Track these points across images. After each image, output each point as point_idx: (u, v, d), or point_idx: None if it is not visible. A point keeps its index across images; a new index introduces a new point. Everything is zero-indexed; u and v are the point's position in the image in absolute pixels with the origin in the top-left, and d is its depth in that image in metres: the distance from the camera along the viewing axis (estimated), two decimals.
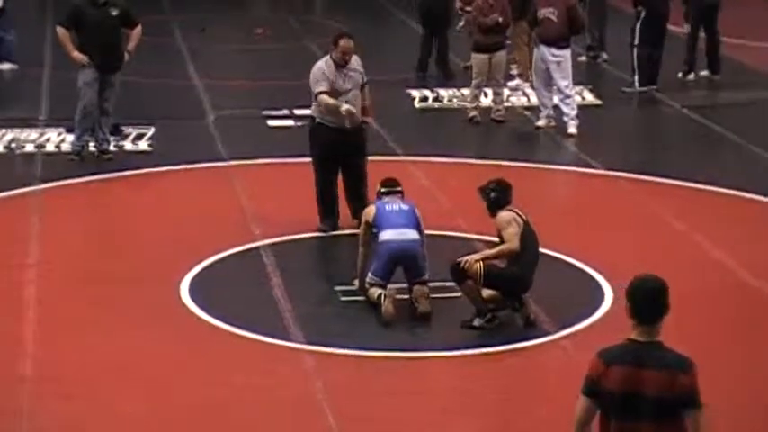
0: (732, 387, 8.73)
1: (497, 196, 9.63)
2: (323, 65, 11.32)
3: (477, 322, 9.42)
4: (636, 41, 16.51)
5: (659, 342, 5.49)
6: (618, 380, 5.41)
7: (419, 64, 17.40)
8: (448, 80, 16.97)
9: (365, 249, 9.93)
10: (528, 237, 9.45)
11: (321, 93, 11.22)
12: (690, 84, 17.11)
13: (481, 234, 11.06)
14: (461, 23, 17.43)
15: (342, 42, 11.24)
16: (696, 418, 5.39)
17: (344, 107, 11.17)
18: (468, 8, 16.44)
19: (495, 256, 9.44)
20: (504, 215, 9.50)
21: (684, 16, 17.25)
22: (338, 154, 11.41)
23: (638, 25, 16.44)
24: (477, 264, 9.27)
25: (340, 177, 11.61)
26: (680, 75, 17.12)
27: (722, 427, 8.12)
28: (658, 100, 16.41)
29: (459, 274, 9.31)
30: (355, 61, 11.44)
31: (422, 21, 17.60)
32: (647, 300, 5.52)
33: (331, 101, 11.18)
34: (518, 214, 9.54)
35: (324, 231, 11.43)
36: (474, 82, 15.30)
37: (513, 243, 9.31)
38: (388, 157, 13.68)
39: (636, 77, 16.58)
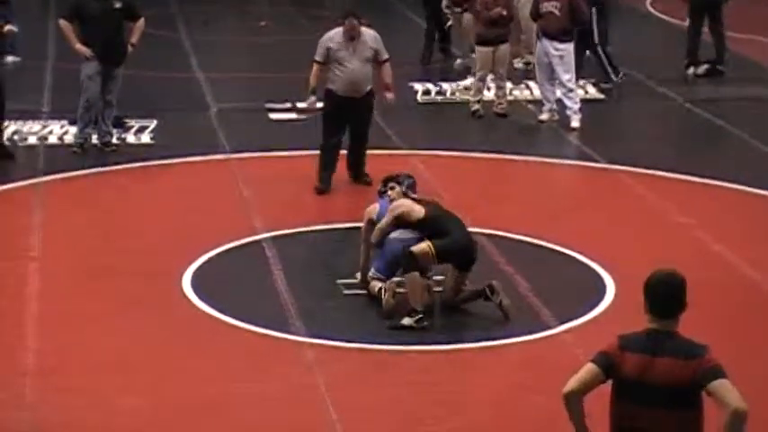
0: (737, 379, 8.72)
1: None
2: (332, 34, 12.36)
3: (406, 321, 9.32)
4: (596, 39, 16.40)
5: (675, 331, 5.52)
6: (632, 366, 5.45)
7: (422, 56, 17.48)
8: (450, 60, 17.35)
9: (367, 246, 9.93)
10: (441, 215, 9.64)
11: (315, 62, 12.41)
12: (693, 78, 17.08)
13: (483, 227, 11.06)
14: (450, 23, 17.33)
15: (347, 21, 12.25)
16: (722, 384, 5.39)
17: (308, 99, 12.50)
18: (458, 8, 16.59)
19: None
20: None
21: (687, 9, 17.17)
22: (343, 120, 12.38)
23: (594, 24, 16.30)
24: (425, 244, 9.34)
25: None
26: (691, 70, 17.04)
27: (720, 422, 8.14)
28: (661, 94, 16.39)
29: (410, 261, 9.33)
30: (370, 38, 12.36)
31: (425, 13, 17.74)
32: (661, 295, 5.54)
33: (312, 77, 12.38)
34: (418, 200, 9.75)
35: (319, 191, 12.28)
36: (477, 75, 15.29)
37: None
38: (390, 150, 13.68)
39: (610, 71, 16.53)
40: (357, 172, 12.58)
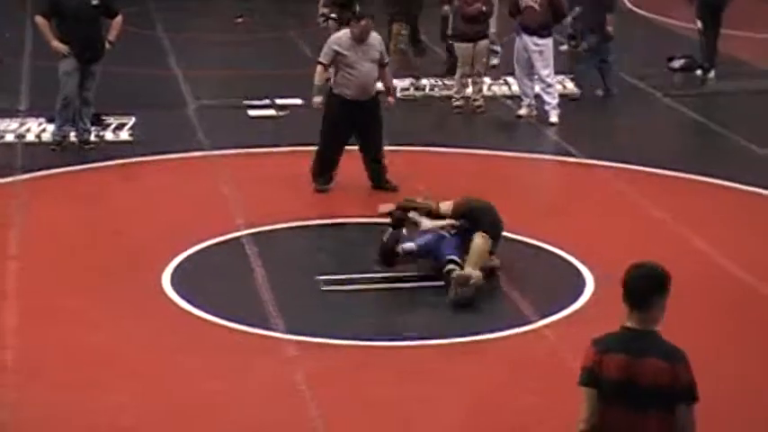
0: (716, 374, 8.77)
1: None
2: (341, 35, 12.23)
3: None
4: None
5: (654, 331, 5.46)
6: (614, 368, 5.38)
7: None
8: (420, 56, 17.06)
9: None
10: None
11: (320, 63, 12.20)
12: (677, 75, 17.11)
13: None
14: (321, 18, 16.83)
15: (363, 22, 12.08)
16: (688, 412, 5.35)
17: (315, 100, 12.20)
18: (333, 15, 16.18)
19: None
20: None
21: (696, 13, 17.03)
22: (349, 124, 12.13)
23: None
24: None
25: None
26: (699, 72, 16.97)
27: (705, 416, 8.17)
28: (640, 89, 16.44)
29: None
30: (375, 40, 12.20)
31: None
32: (637, 285, 5.46)
33: (318, 78, 12.18)
34: None
35: (320, 190, 12.12)
36: (458, 71, 15.31)
37: None
38: None
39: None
40: (381, 180, 12.24)
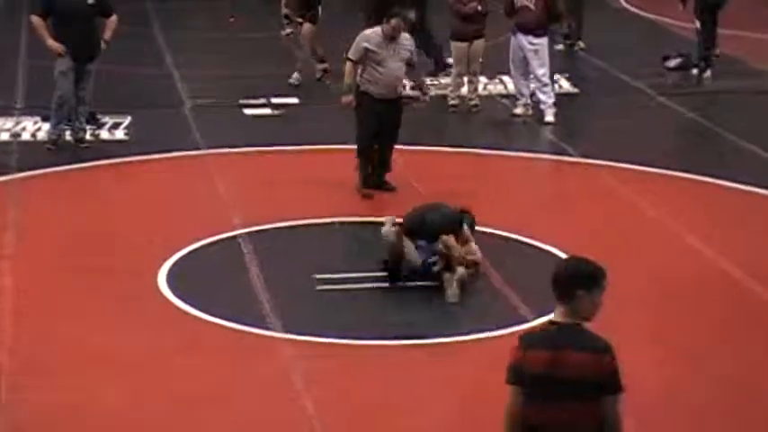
0: (711, 373, 8.79)
1: None
2: (371, 33, 12.12)
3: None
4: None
5: (578, 324, 5.44)
6: (537, 363, 5.37)
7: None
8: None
9: None
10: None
11: (348, 59, 12.13)
12: (672, 74, 17.12)
13: None
14: (287, 31, 16.63)
15: (393, 21, 12.00)
16: (614, 402, 5.36)
17: (345, 99, 12.10)
18: (299, 19, 16.10)
19: None
20: None
21: (694, 13, 16.98)
22: (380, 120, 12.10)
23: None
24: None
25: None
26: (695, 71, 16.98)
27: (694, 411, 8.19)
28: (635, 88, 16.45)
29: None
30: (405, 38, 12.13)
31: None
32: (562, 278, 5.43)
33: (347, 75, 12.11)
34: None
35: (369, 196, 12.04)
36: (454, 71, 15.31)
37: None
38: None
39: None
40: (381, 180, 12.23)
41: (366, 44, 11.99)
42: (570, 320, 5.42)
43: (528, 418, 5.44)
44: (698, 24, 16.78)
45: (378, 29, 12.09)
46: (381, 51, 11.93)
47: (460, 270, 9.89)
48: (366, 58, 11.98)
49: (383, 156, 12.31)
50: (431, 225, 10.16)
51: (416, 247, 10.10)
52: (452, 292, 9.77)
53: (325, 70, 16.22)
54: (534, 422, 5.42)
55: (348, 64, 12.10)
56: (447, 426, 8.06)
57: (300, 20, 16.18)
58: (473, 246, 10.29)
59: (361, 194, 12.04)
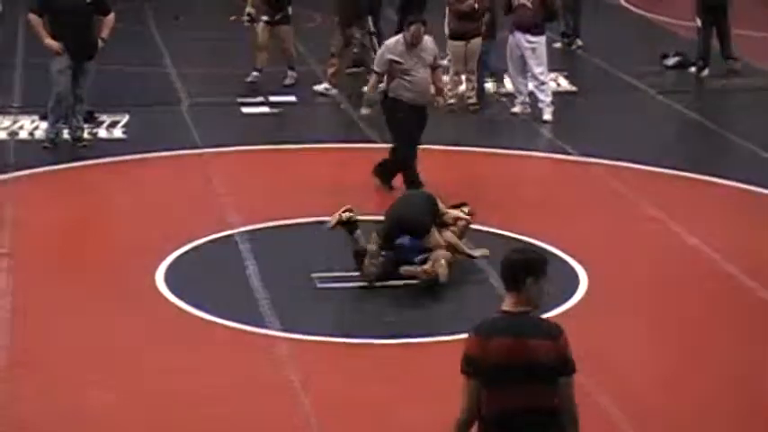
0: (711, 372, 8.78)
1: None
2: (393, 42, 12.00)
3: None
4: None
5: (531, 312, 5.58)
6: (500, 351, 5.47)
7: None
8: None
9: None
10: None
11: (374, 72, 12.11)
12: (670, 72, 17.12)
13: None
14: (246, 17, 16.51)
15: (412, 28, 11.88)
16: (570, 383, 5.52)
17: (363, 111, 12.04)
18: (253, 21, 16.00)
19: None
20: None
21: (696, 11, 16.96)
22: (414, 126, 12.02)
23: None
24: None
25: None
26: (692, 69, 16.95)
27: (694, 411, 8.18)
28: (634, 86, 16.44)
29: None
30: (428, 42, 12.01)
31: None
32: (511, 268, 5.58)
33: (370, 88, 12.11)
34: None
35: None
36: (452, 69, 15.30)
37: None
38: (364, 144, 13.68)
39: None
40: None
41: (390, 56, 11.80)
42: (522, 308, 5.55)
43: (488, 408, 5.53)
44: (699, 23, 16.75)
45: (399, 37, 11.96)
46: (406, 60, 11.78)
47: (443, 252, 9.96)
48: (392, 69, 11.81)
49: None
50: (408, 223, 10.13)
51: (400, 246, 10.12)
52: (443, 271, 9.79)
53: (295, 78, 15.94)
54: (494, 411, 5.51)
55: (373, 76, 12.01)
56: (446, 423, 8.03)
57: (267, 19, 15.87)
58: (452, 212, 10.40)
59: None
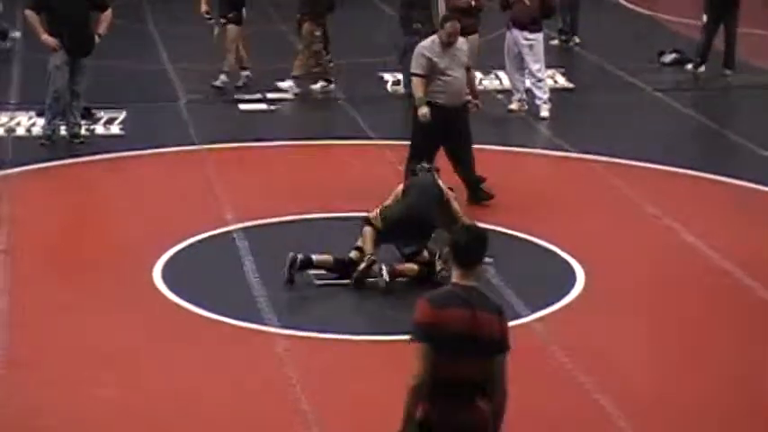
0: (710, 370, 8.78)
1: None
2: (428, 43, 11.66)
3: (353, 254, 9.94)
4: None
5: (476, 286, 5.81)
6: (460, 321, 5.68)
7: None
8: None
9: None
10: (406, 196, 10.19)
11: (415, 75, 11.65)
12: (669, 69, 17.12)
13: None
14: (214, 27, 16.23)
15: (447, 25, 11.57)
16: (504, 360, 5.77)
17: (421, 111, 11.50)
18: (223, 19, 15.69)
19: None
20: None
21: (704, 6, 16.90)
22: (441, 133, 11.53)
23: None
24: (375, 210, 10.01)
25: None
26: (689, 66, 16.94)
27: (693, 410, 8.19)
28: (631, 84, 16.45)
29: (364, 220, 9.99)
30: (462, 43, 11.76)
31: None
32: (471, 246, 5.81)
33: (418, 90, 11.55)
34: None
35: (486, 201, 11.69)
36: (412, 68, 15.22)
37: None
38: (360, 140, 13.68)
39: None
40: (477, 193, 11.74)
41: (429, 55, 11.48)
42: (471, 283, 5.79)
43: (439, 375, 5.70)
44: (704, 19, 16.72)
45: (434, 37, 11.67)
46: (441, 60, 11.46)
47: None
48: (430, 68, 11.48)
49: (467, 170, 11.75)
50: (419, 229, 10.07)
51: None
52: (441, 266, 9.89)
53: (248, 77, 15.78)
54: (445, 378, 5.69)
55: (415, 79, 11.64)
56: None
57: (224, 20, 15.72)
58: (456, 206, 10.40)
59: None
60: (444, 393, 5.71)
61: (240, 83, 15.76)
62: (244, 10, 15.83)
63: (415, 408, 5.74)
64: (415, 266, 9.98)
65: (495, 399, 5.74)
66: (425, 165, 10.58)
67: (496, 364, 5.73)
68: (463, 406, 5.71)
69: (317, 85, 15.75)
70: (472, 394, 5.72)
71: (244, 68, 15.83)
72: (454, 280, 5.81)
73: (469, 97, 11.83)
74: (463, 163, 11.75)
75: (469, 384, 5.71)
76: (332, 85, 15.79)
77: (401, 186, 10.43)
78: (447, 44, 11.52)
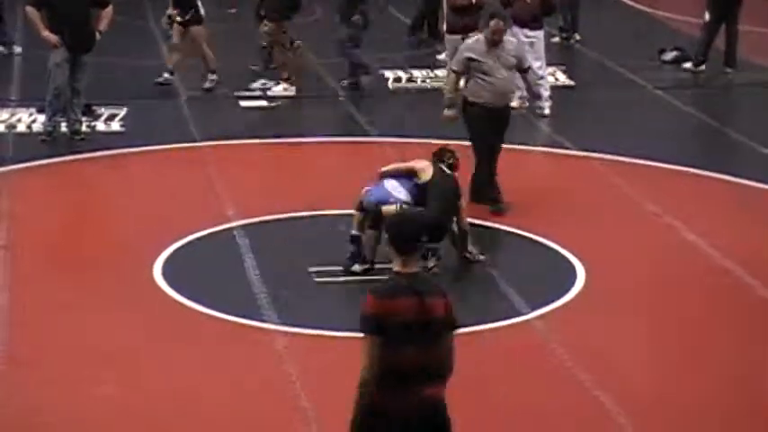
0: (710, 370, 8.78)
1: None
2: (472, 42, 11.51)
3: (357, 267, 9.95)
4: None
5: (419, 272, 5.93)
6: (408, 310, 5.77)
7: (410, 29, 18.13)
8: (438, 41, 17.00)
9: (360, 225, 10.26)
10: (437, 190, 10.08)
11: (452, 71, 11.60)
12: (670, 67, 17.11)
13: None
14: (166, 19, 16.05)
15: (492, 23, 11.37)
16: (453, 338, 5.93)
17: (445, 113, 11.44)
18: (179, 17, 15.48)
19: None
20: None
21: (707, 6, 16.84)
22: (493, 131, 11.42)
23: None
24: (395, 206, 9.85)
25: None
26: (688, 64, 16.91)
27: (693, 410, 8.19)
28: (631, 81, 16.44)
29: (378, 216, 9.87)
30: (511, 44, 11.59)
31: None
32: (406, 232, 5.89)
33: (449, 88, 11.53)
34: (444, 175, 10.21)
35: (496, 212, 11.36)
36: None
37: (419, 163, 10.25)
38: (360, 137, 13.67)
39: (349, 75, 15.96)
40: (495, 197, 11.44)
41: (470, 53, 11.29)
42: (413, 269, 5.89)
43: (394, 366, 5.79)
44: (707, 17, 16.68)
45: (480, 36, 11.49)
46: (486, 60, 11.20)
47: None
48: (470, 68, 11.29)
49: (491, 172, 11.53)
50: (436, 232, 9.91)
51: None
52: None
53: (216, 81, 15.54)
54: (397, 367, 5.79)
55: (450, 75, 11.45)
56: None
57: (179, 20, 15.47)
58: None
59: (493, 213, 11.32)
60: (396, 382, 5.82)
61: (207, 85, 15.52)
62: (201, 8, 15.55)
63: (366, 399, 5.89)
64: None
65: (447, 378, 5.91)
66: (448, 156, 10.41)
67: (445, 342, 5.88)
68: (416, 393, 5.82)
69: (279, 87, 15.53)
70: (424, 381, 5.83)
71: (211, 71, 15.61)
72: (396, 269, 5.89)
73: (514, 103, 11.54)
74: (490, 162, 11.49)
75: (421, 371, 5.82)
76: (292, 88, 15.49)
77: (420, 164, 10.30)
78: (492, 43, 11.28)
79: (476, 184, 11.47)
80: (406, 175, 10.27)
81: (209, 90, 15.48)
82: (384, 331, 5.76)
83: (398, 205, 9.90)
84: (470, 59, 11.31)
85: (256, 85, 15.59)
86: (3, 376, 8.40)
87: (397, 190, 10.14)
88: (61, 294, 9.76)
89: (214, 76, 15.59)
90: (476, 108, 11.35)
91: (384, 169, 10.38)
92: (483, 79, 11.29)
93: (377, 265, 9.92)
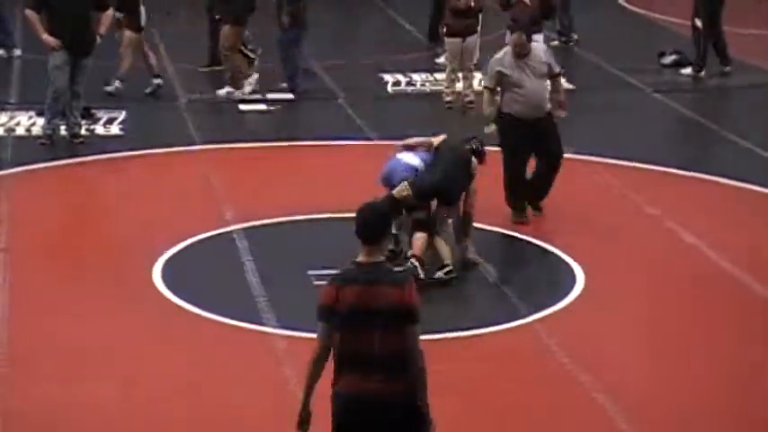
0: (710, 371, 8.79)
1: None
2: (501, 56, 11.41)
3: (438, 275, 9.94)
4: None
5: (382, 261, 6.10)
6: (351, 297, 5.98)
7: (430, 33, 17.96)
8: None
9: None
10: (444, 157, 10.28)
11: (486, 89, 11.57)
12: (669, 70, 17.12)
13: None
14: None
15: (513, 37, 11.39)
16: (415, 332, 6.02)
17: (486, 129, 11.43)
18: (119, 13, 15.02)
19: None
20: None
21: (694, 11, 16.86)
22: (528, 143, 11.35)
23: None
24: (403, 185, 10.01)
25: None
26: (688, 70, 16.90)
27: (692, 409, 8.19)
28: (630, 84, 16.44)
29: (394, 205, 9.86)
30: (541, 51, 11.53)
31: None
32: (370, 223, 6.09)
33: (486, 106, 11.49)
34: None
35: (519, 222, 11.28)
36: (449, 67, 15.29)
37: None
38: (360, 141, 13.68)
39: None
40: (539, 198, 11.50)
41: (499, 68, 11.25)
42: (374, 259, 6.07)
43: (342, 350, 6.03)
44: (698, 23, 16.69)
45: (507, 48, 11.43)
46: (515, 72, 11.18)
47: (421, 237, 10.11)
48: (503, 82, 11.27)
49: (545, 182, 11.52)
50: (446, 193, 10.18)
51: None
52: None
53: (159, 85, 15.44)
54: (346, 353, 6.02)
55: (486, 93, 11.47)
56: (446, 421, 8.03)
57: (120, 16, 15.20)
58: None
59: (514, 222, 11.26)
60: (349, 367, 6.02)
61: (149, 90, 15.39)
62: (142, 14, 15.37)
63: (312, 381, 6.14)
64: (421, 237, 10.02)
65: (411, 372, 5.97)
66: (475, 141, 10.58)
67: (408, 336, 5.95)
68: (366, 378, 5.96)
69: (223, 91, 15.45)
70: (375, 367, 5.95)
71: (156, 76, 15.48)
72: (359, 259, 6.07)
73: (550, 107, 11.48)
74: (547, 171, 11.48)
75: (370, 357, 5.95)
76: (237, 93, 15.39)
77: (438, 138, 10.51)
78: (518, 55, 11.25)
79: (508, 188, 11.50)
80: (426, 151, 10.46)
81: (150, 94, 15.34)
82: (332, 318, 6.00)
83: (404, 184, 10.03)
84: (501, 74, 11.27)
85: (222, 92, 15.51)
86: (2, 377, 8.40)
87: (410, 158, 10.32)
88: (61, 297, 9.76)
89: (159, 81, 15.45)
90: (507, 118, 11.31)
91: (403, 143, 10.61)
92: (514, 91, 11.24)
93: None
